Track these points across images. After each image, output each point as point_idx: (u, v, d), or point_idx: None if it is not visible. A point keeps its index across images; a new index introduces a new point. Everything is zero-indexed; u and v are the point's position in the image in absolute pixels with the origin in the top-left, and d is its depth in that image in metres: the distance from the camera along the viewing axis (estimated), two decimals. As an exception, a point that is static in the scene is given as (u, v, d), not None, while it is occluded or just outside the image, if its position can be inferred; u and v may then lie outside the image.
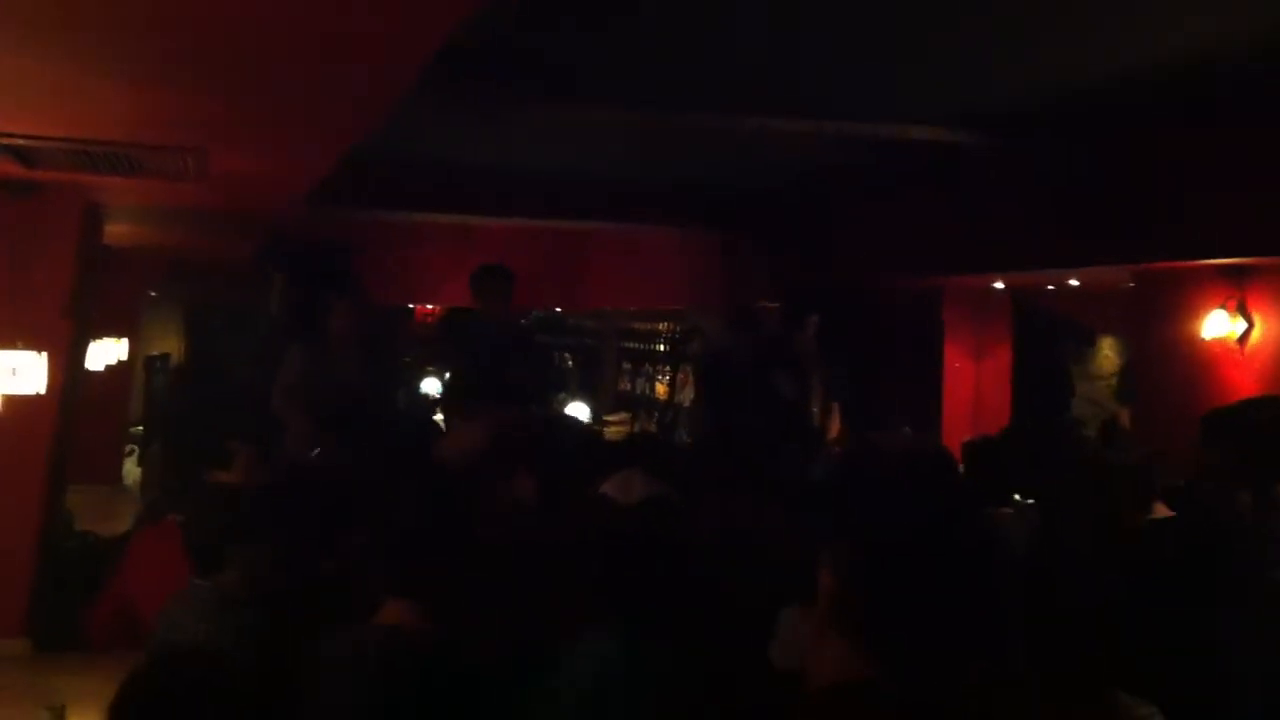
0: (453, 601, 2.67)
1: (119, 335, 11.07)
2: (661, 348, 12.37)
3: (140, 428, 13.17)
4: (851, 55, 5.19)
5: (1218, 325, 5.91)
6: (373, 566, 2.75)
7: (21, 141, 4.78)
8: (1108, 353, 10.03)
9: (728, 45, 5.05)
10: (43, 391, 5.74)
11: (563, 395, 12.04)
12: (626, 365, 13.29)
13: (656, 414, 11.71)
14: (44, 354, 5.69)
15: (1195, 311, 6.06)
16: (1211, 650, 3.19)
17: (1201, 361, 6.02)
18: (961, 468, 4.56)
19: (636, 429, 11.41)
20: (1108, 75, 5.28)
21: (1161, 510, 4.02)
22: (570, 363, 13.85)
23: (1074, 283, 7.93)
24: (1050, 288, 8.43)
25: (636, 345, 13.06)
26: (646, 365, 12.69)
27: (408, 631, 2.61)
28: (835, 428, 7.08)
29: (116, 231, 8.24)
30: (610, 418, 12.20)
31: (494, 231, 9.93)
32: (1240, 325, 5.84)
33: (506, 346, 6.66)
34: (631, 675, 2.49)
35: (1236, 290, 5.88)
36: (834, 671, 1.82)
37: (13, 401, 5.62)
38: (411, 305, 12.33)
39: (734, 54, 5.19)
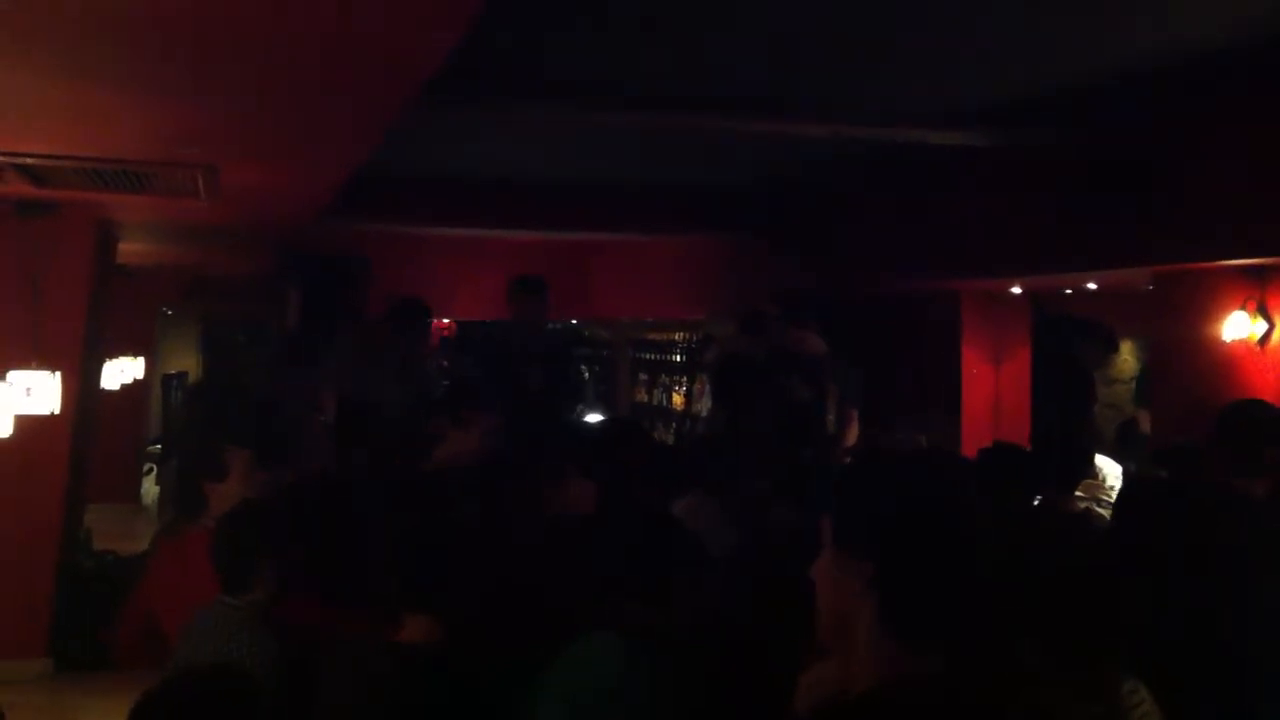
0: (473, 616, 2.65)
1: (135, 354, 11.10)
2: (677, 357, 12.33)
3: (158, 446, 13.21)
4: (863, 56, 5.18)
5: (1238, 327, 5.85)
6: (394, 581, 2.73)
7: (31, 160, 4.79)
8: (1126, 356, 9.98)
9: (738, 49, 5.05)
10: (57, 411, 5.74)
11: (580, 406, 12.01)
12: (642, 376, 13.26)
13: (674, 424, 11.67)
14: (58, 373, 5.69)
15: (1215, 313, 6.00)
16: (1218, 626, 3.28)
17: (1222, 363, 5.96)
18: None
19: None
20: (1123, 71, 5.25)
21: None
22: (585, 374, 13.82)
23: (1092, 286, 7.88)
24: (1068, 291, 8.39)
25: (652, 355, 13.02)
26: (662, 375, 12.65)
27: (426, 647, 2.59)
28: (854, 434, 7.03)
29: (131, 250, 8.27)
30: (626, 428, 12.16)
31: (505, 244, 9.94)
32: (1261, 326, 5.78)
33: (540, 354, 6.66)
34: (651, 682, 2.45)
35: (1257, 291, 5.82)
36: (880, 669, 1.79)
37: (27, 422, 5.61)
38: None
39: (743, 57, 5.18)
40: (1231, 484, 3.98)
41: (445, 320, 12.33)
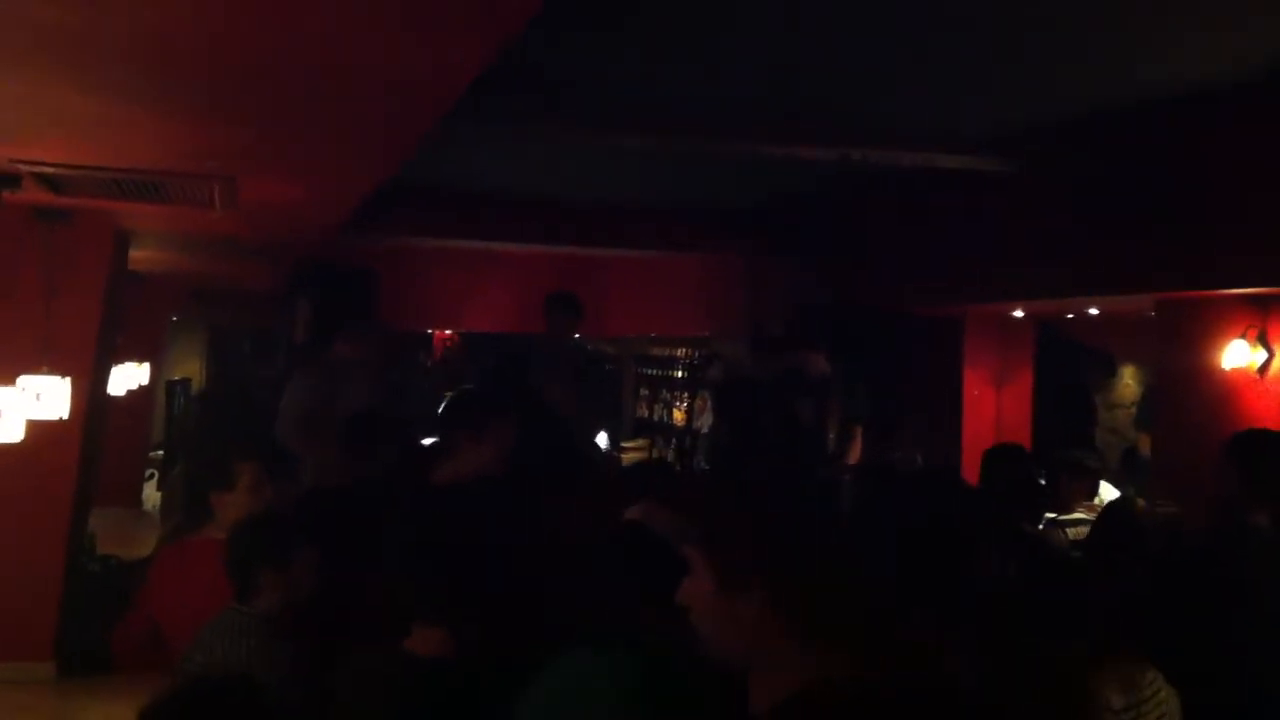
0: (482, 626, 2.68)
1: (142, 360, 11.15)
2: (679, 374, 12.37)
3: (160, 452, 13.26)
4: (872, 78, 5.24)
5: (1238, 355, 5.89)
6: (402, 591, 2.77)
7: (51, 170, 4.83)
8: (1128, 381, 10.01)
9: (751, 69, 5.11)
10: (67, 417, 5.77)
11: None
12: (644, 391, 13.30)
13: (674, 440, 11.71)
14: (68, 379, 5.73)
15: (1216, 341, 6.04)
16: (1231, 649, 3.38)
17: (1222, 391, 6.00)
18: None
19: (654, 455, 11.40)
20: (1130, 99, 5.31)
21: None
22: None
23: (1094, 311, 7.92)
24: (1070, 316, 8.43)
25: (654, 371, 13.06)
26: (664, 391, 12.69)
27: (436, 658, 2.63)
28: (857, 452, 7.05)
29: (141, 257, 8.31)
30: (628, 444, 12.21)
31: (514, 258, 9.99)
32: (1261, 355, 5.82)
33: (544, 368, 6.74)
34: (662, 696, 2.48)
35: (1258, 320, 5.86)
36: (794, 673, 1.87)
37: (38, 427, 5.64)
38: (431, 331, 12.41)
39: (757, 78, 5.24)
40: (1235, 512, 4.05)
41: (448, 331, 12.40)
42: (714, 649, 1.96)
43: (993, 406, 8.48)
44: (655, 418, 12.77)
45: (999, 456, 4.94)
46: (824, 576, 1.90)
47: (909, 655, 2.17)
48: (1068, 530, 5.12)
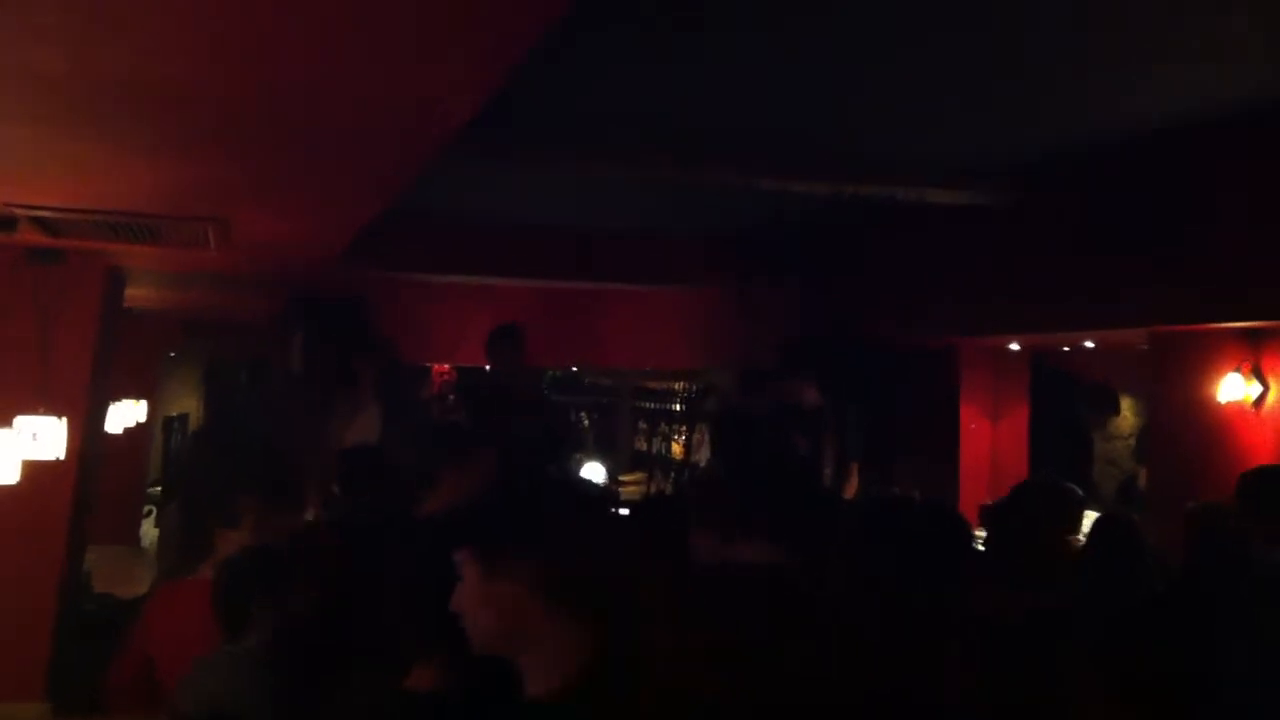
0: (484, 665, 2.66)
1: (139, 397, 11.15)
2: (677, 407, 12.36)
3: (158, 489, 13.22)
4: (871, 113, 5.27)
5: (1233, 388, 5.89)
6: (403, 629, 2.75)
7: (47, 213, 4.85)
8: (1125, 413, 10.01)
9: (745, 104, 5.13)
10: (63, 457, 5.76)
11: (578, 455, 12.01)
12: (642, 424, 13.28)
13: (672, 474, 11.68)
14: (64, 419, 5.72)
15: (1210, 374, 6.05)
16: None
17: (1217, 424, 6.00)
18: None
19: (652, 489, 11.38)
20: (1122, 135, 5.35)
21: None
22: (586, 422, 13.84)
23: (1089, 344, 7.93)
24: (1066, 349, 8.43)
25: (652, 404, 13.05)
26: (662, 424, 12.68)
27: (431, 694, 2.60)
28: (853, 489, 7.04)
29: (135, 294, 8.32)
30: (626, 477, 12.19)
31: (509, 290, 10.00)
32: (1255, 389, 5.83)
33: (516, 400, 6.71)
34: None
35: (1251, 353, 5.87)
36: (561, 643, 2.05)
37: (33, 467, 5.63)
38: (429, 365, 12.39)
39: (750, 112, 5.26)
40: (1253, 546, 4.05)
41: (445, 365, 12.39)
42: (479, 640, 2.10)
43: (988, 440, 8.47)
44: (654, 451, 12.74)
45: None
46: (580, 558, 2.05)
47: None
48: None
